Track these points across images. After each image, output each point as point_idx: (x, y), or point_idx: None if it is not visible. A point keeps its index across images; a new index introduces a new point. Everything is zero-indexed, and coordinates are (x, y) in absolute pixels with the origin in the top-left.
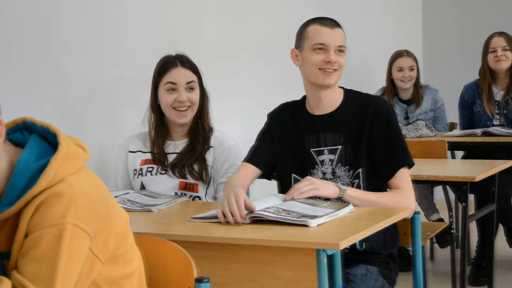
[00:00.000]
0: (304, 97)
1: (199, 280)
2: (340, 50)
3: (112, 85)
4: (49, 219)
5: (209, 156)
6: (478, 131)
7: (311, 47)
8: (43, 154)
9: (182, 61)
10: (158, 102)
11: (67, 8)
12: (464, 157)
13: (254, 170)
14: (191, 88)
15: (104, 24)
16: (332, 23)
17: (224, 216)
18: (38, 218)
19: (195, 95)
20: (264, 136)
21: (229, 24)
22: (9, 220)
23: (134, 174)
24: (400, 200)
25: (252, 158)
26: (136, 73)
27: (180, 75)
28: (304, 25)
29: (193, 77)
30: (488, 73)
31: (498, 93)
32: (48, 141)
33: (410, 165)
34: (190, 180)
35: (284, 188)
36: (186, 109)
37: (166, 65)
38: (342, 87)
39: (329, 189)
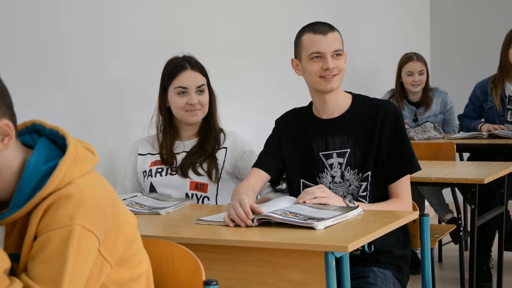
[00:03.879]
0: (311, 103)
1: (207, 283)
2: (337, 54)
3: (120, 88)
4: (58, 221)
5: (220, 156)
6: (484, 133)
7: (307, 56)
8: (51, 157)
9: (191, 63)
10: (168, 104)
11: (75, 13)
12: (469, 159)
13: (263, 176)
14: (201, 91)
15: (112, 29)
16: (325, 28)
17: (232, 221)
18: (47, 220)
19: (205, 98)
20: (273, 142)
21: (238, 26)
22: (19, 223)
23: (144, 176)
24: (401, 209)
25: (262, 163)
26: (143, 77)
27: (190, 79)
28: (298, 34)
29: (203, 80)
30: (510, 68)
31: None
32: (57, 144)
33: (416, 171)
34: (199, 179)
35: (293, 193)
36: (197, 110)
37: (176, 68)
38: (350, 92)
39: (339, 203)
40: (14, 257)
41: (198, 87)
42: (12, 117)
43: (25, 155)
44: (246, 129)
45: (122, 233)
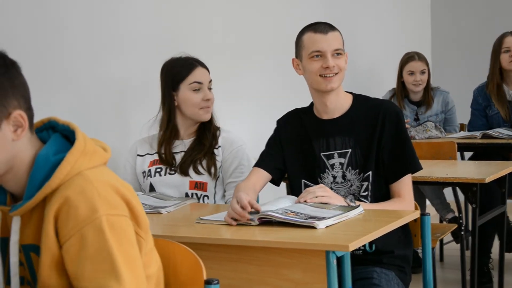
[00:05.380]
0: (312, 103)
1: (208, 282)
2: (338, 53)
3: (120, 89)
4: (83, 219)
5: (218, 154)
6: (478, 133)
7: (308, 55)
8: (62, 149)
9: (199, 61)
10: (176, 103)
11: (75, 13)
12: (470, 158)
13: (264, 175)
14: (210, 88)
15: (112, 29)
16: (326, 27)
17: (234, 220)
18: (71, 221)
19: (213, 95)
20: (274, 142)
21: (238, 26)
22: (36, 214)
23: (144, 176)
24: (403, 209)
25: (263, 163)
26: (143, 77)
27: (204, 74)
28: (299, 34)
29: (210, 77)
30: (498, 74)
31: None
32: (70, 139)
33: (417, 170)
34: (199, 178)
35: (294, 194)
36: (210, 107)
37: (188, 66)
38: (350, 92)
39: (340, 202)
40: (32, 248)
41: (209, 82)
42: (28, 110)
43: (38, 149)
44: (246, 129)
45: (141, 218)
